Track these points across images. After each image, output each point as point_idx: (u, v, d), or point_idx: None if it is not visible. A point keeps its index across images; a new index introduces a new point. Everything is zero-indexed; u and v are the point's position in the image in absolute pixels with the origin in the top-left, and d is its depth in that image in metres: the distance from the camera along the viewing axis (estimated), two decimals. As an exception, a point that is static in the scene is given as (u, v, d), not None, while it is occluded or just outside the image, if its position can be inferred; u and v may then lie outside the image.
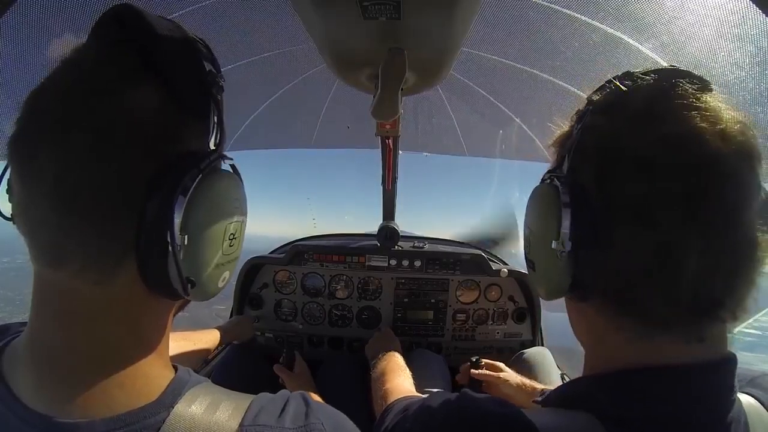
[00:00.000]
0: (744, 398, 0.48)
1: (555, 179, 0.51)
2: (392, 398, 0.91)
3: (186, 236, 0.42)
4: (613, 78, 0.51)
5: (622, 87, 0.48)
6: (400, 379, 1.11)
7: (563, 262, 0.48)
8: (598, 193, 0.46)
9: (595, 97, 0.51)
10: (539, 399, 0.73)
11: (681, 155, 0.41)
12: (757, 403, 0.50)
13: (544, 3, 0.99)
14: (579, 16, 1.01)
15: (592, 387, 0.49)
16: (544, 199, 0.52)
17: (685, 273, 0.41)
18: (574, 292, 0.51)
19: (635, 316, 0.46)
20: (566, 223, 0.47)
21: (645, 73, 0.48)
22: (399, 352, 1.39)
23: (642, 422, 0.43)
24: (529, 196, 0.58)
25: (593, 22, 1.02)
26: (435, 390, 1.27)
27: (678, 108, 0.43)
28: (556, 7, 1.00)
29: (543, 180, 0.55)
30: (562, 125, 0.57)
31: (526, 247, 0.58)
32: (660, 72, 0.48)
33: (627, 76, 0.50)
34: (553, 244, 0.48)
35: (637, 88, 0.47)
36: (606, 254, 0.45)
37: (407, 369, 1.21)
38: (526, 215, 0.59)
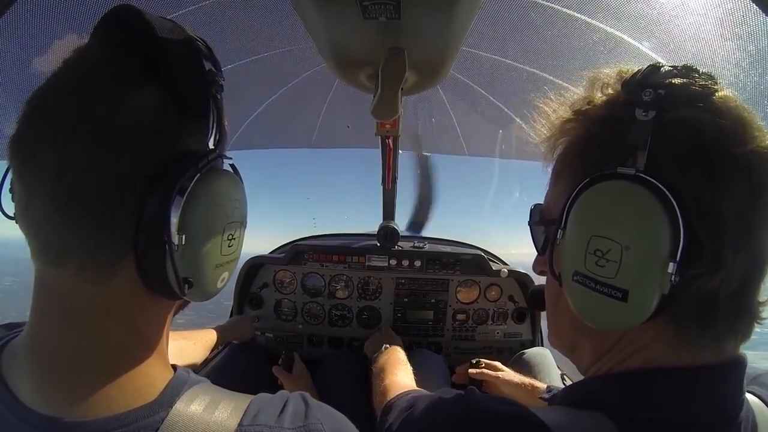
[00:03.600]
0: (749, 396, 0.48)
1: (648, 179, 0.41)
2: (392, 394, 0.90)
3: (183, 236, 0.42)
4: (644, 68, 0.46)
5: (701, 80, 0.43)
6: (400, 375, 1.09)
7: (668, 286, 0.40)
8: (710, 201, 0.40)
9: (666, 82, 0.43)
10: (546, 396, 0.72)
11: None
12: (761, 401, 0.50)
13: (544, 3, 0.99)
14: (579, 15, 1.01)
15: (605, 387, 0.48)
16: (649, 207, 0.40)
17: (760, 284, 0.42)
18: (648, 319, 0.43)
19: (706, 329, 0.43)
20: (684, 239, 0.39)
21: (683, 69, 0.45)
22: (399, 347, 1.36)
23: (657, 424, 0.43)
24: (587, 193, 0.45)
25: (593, 22, 1.02)
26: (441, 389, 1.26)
27: (762, 124, 0.42)
28: (556, 6, 1.00)
29: (614, 176, 0.43)
30: (549, 111, 0.52)
31: (600, 268, 0.43)
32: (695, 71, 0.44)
33: (656, 68, 0.45)
34: (671, 267, 0.39)
35: (717, 86, 0.43)
36: (712, 272, 0.40)
37: (408, 363, 1.19)
38: (599, 223, 0.44)
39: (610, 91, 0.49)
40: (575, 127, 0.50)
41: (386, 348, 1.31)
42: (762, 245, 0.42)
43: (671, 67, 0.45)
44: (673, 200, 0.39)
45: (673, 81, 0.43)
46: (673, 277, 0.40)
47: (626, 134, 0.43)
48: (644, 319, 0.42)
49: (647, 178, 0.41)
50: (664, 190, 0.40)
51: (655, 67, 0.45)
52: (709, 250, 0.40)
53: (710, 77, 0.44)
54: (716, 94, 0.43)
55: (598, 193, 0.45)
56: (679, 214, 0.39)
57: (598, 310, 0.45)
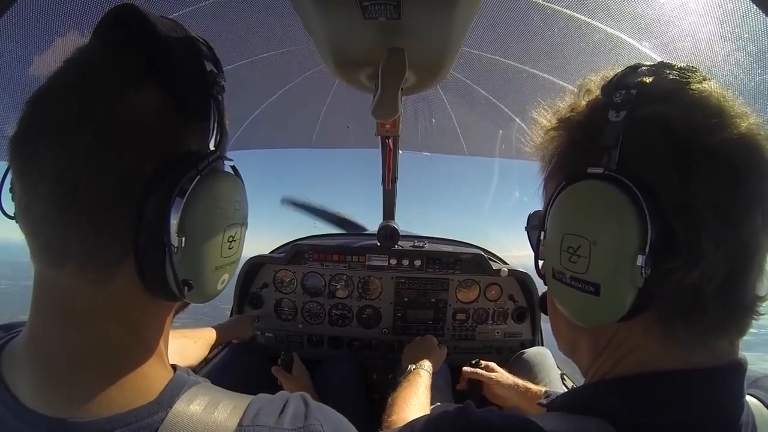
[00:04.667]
0: (749, 399, 0.48)
1: (616, 177, 0.42)
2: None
3: (183, 238, 0.42)
4: (621, 71, 0.47)
5: (674, 75, 0.44)
6: (411, 411, 1.04)
7: (641, 280, 0.41)
8: (683, 194, 0.40)
9: (636, 81, 0.44)
10: (544, 402, 0.72)
11: (761, 156, 0.40)
12: (761, 404, 0.50)
13: (544, 3, 0.99)
14: (579, 16, 1.01)
15: (603, 392, 0.48)
16: (614, 202, 0.41)
17: (752, 278, 0.42)
18: (632, 315, 0.43)
19: (693, 325, 0.42)
20: (651, 233, 0.39)
21: (658, 66, 0.45)
22: (432, 366, 1.34)
23: (658, 428, 0.43)
24: (561, 194, 0.47)
25: (593, 22, 1.02)
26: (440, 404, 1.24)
27: (745, 110, 0.42)
28: (556, 7, 1.00)
29: (584, 176, 0.45)
30: (542, 120, 0.53)
31: (573, 264, 0.45)
32: (675, 67, 0.45)
33: (633, 69, 0.46)
34: (639, 260, 0.40)
35: (692, 78, 0.43)
36: (690, 266, 0.40)
37: (428, 395, 1.16)
38: (569, 221, 0.46)
39: (591, 96, 0.50)
40: (560, 135, 0.52)
41: (414, 368, 1.28)
42: (748, 236, 0.40)
43: (647, 66, 0.46)
44: (639, 195, 0.40)
45: (643, 80, 0.44)
46: (643, 270, 0.40)
47: (599, 136, 0.44)
48: (622, 313, 0.43)
49: (613, 175, 0.42)
50: (630, 185, 0.41)
51: (632, 69, 0.46)
52: (685, 243, 0.40)
53: (686, 71, 0.44)
54: (689, 87, 0.43)
55: (569, 193, 0.47)
56: (645, 208, 0.40)
57: (576, 305, 0.47)
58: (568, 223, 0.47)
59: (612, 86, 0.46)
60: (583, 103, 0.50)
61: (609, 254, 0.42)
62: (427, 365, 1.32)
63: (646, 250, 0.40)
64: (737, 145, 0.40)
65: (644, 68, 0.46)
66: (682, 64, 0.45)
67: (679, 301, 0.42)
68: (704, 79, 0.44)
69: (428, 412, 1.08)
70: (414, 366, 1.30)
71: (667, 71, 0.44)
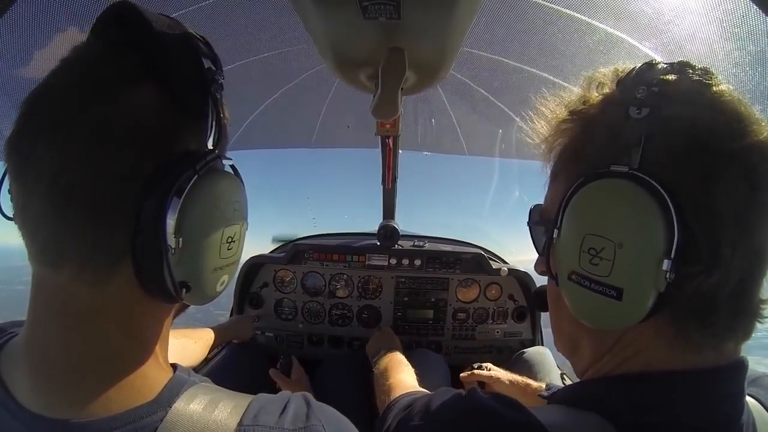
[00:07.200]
0: (747, 399, 0.48)
1: (642, 177, 0.41)
2: (396, 394, 0.89)
3: (181, 239, 0.41)
4: (638, 66, 0.46)
5: (695, 75, 0.43)
6: (402, 375, 1.11)
7: (664, 284, 0.40)
8: (705, 197, 0.39)
9: (660, 79, 0.43)
10: (545, 394, 0.73)
11: None
12: (758, 403, 0.50)
13: (544, 3, 0.99)
14: (579, 16, 1.01)
15: (606, 388, 0.48)
16: (641, 204, 0.40)
17: (760, 283, 0.42)
18: (646, 318, 0.42)
19: (706, 328, 0.42)
20: (677, 236, 0.39)
21: (678, 65, 0.44)
22: (399, 350, 1.39)
23: (659, 428, 0.43)
24: (581, 191, 0.45)
25: (593, 22, 1.02)
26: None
27: (761, 117, 0.42)
28: (556, 6, 1.00)
29: (607, 174, 0.43)
30: (547, 112, 0.52)
31: (594, 267, 0.43)
32: (690, 66, 0.44)
33: (650, 65, 0.45)
34: (665, 265, 0.39)
35: (713, 81, 0.43)
36: (710, 271, 0.39)
37: (410, 365, 1.21)
38: (592, 221, 0.44)
39: (605, 90, 0.49)
40: (571, 128, 0.51)
41: (386, 352, 1.33)
42: (761, 242, 0.41)
43: (666, 64, 0.45)
44: (666, 197, 0.39)
45: (666, 78, 0.43)
46: (668, 274, 0.39)
47: (620, 132, 0.43)
48: (641, 317, 0.42)
49: (640, 175, 0.41)
50: (657, 186, 0.40)
51: (649, 65, 0.45)
52: (705, 248, 0.39)
53: (706, 72, 0.43)
54: (711, 89, 0.42)
55: (591, 191, 0.45)
56: (672, 211, 0.39)
57: (594, 309, 0.45)
58: (590, 222, 0.44)
59: (630, 82, 0.45)
60: (595, 95, 0.49)
61: (635, 258, 0.41)
62: (397, 348, 1.38)
63: (672, 254, 0.39)
64: (757, 152, 0.40)
65: (663, 65, 0.45)
66: (700, 65, 0.44)
67: (694, 305, 0.42)
68: (720, 83, 0.43)
69: (414, 374, 1.14)
70: (384, 350, 1.34)
71: (689, 71, 0.43)
